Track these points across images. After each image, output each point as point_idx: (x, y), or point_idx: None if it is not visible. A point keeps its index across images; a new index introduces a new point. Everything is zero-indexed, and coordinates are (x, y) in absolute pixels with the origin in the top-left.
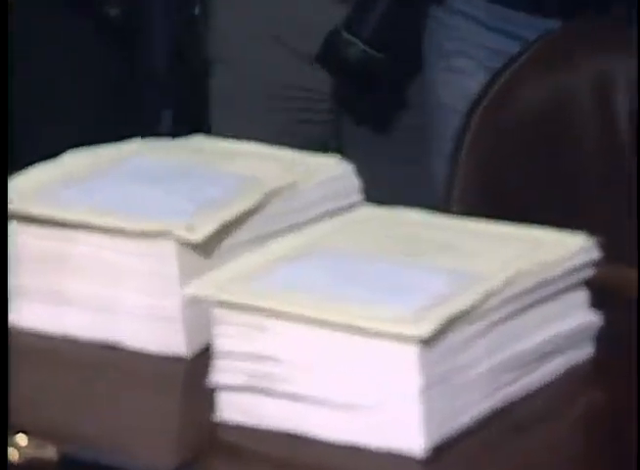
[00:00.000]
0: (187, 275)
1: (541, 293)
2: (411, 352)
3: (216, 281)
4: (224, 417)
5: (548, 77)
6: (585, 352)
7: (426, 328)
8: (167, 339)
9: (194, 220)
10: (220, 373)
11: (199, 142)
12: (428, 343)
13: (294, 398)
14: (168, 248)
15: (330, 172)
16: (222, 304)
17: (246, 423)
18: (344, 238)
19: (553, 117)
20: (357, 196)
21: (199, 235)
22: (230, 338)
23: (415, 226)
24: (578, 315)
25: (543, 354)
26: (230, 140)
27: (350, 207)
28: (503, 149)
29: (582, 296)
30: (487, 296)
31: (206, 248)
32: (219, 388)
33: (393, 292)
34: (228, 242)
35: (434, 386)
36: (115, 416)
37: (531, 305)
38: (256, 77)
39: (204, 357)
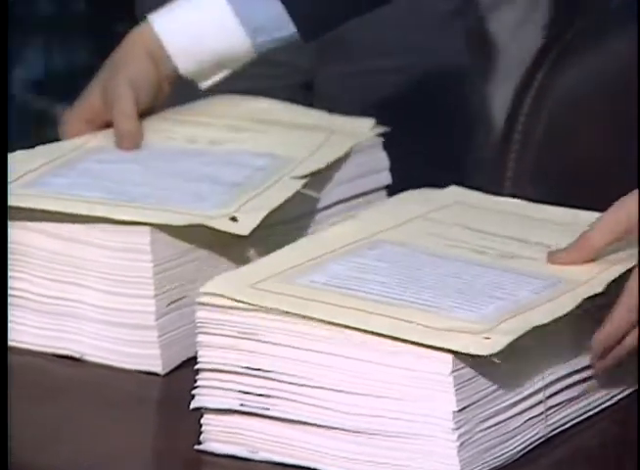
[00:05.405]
0: (163, 273)
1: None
2: (443, 368)
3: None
4: (209, 446)
5: (607, 50)
6: None
7: (497, 344)
8: (139, 352)
9: (230, 210)
10: (205, 392)
11: (212, 105)
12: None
13: (295, 422)
14: (142, 240)
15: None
16: (211, 307)
17: (236, 453)
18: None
19: (617, 92)
20: (385, 175)
21: (245, 227)
22: (219, 349)
23: (484, 214)
24: None
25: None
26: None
27: (378, 188)
28: (563, 127)
29: None
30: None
31: (190, 242)
32: (204, 410)
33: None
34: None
35: (471, 407)
36: (77, 447)
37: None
38: None
39: (182, 375)
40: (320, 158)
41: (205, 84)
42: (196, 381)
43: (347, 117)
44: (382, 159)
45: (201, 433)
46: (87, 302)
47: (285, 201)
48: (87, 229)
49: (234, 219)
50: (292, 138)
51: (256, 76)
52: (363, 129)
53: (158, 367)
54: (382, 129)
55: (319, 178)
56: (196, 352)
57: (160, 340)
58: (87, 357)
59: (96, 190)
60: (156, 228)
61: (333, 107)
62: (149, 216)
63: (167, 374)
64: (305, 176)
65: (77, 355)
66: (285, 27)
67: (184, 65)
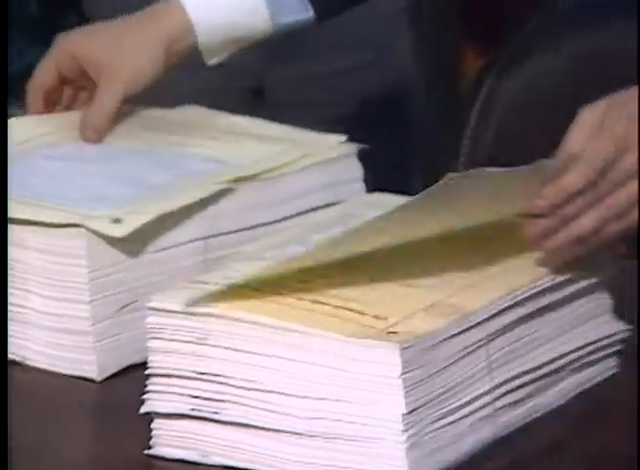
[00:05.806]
0: (99, 278)
1: (555, 296)
2: (392, 369)
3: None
4: (160, 451)
5: (558, 48)
6: (607, 369)
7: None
8: (75, 357)
9: (121, 211)
10: (155, 397)
11: (184, 113)
12: (413, 356)
13: (246, 426)
14: (77, 244)
15: (324, 155)
16: (160, 312)
17: (187, 458)
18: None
19: (566, 96)
20: (359, 185)
21: (124, 229)
22: (169, 354)
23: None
24: (601, 324)
25: (556, 372)
26: (226, 114)
27: (348, 198)
28: (511, 132)
29: (606, 300)
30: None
31: (133, 246)
32: (154, 414)
33: None
34: (166, 240)
35: (420, 409)
36: (22, 454)
37: (543, 311)
38: None
39: (118, 381)
40: (257, 165)
41: (211, 61)
42: (132, 387)
43: (319, 134)
44: (355, 169)
45: (147, 438)
46: (29, 306)
47: (191, 205)
48: (27, 232)
49: (117, 221)
50: (249, 148)
51: (207, 77)
52: (329, 144)
53: (93, 373)
54: (352, 146)
55: (269, 193)
56: (136, 360)
57: (97, 346)
58: (28, 362)
59: (16, 187)
60: (92, 233)
61: (283, 110)
62: (23, 213)
63: (104, 381)
64: (232, 181)
65: (20, 360)
66: (304, 10)
67: (203, 37)
